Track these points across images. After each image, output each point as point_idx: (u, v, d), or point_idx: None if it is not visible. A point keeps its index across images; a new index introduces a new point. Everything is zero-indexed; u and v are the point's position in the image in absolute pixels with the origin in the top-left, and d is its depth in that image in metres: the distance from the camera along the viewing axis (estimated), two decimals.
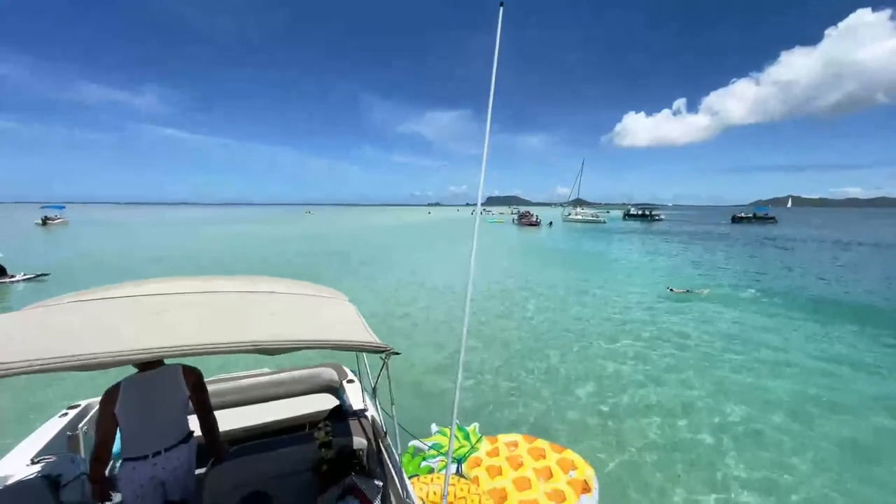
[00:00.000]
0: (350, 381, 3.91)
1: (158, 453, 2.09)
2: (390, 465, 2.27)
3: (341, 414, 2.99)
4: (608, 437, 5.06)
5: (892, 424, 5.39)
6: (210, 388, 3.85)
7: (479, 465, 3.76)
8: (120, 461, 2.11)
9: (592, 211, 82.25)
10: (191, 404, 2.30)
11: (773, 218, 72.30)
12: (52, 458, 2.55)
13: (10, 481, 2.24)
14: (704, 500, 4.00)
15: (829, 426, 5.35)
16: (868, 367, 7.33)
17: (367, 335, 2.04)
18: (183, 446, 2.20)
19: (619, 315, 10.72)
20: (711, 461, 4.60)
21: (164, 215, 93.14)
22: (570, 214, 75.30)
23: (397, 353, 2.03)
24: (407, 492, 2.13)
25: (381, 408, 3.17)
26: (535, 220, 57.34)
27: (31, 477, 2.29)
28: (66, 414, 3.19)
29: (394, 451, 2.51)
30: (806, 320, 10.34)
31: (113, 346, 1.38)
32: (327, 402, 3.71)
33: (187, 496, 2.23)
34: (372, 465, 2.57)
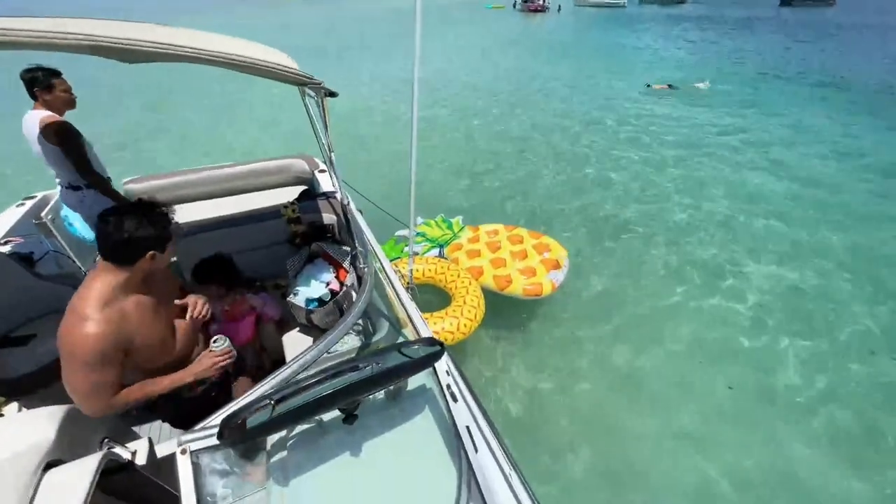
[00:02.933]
0: (322, 171, 3.72)
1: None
2: (356, 231, 2.24)
3: (311, 195, 2.89)
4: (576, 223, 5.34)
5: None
6: (177, 178, 3.65)
7: (459, 249, 3.99)
8: None
9: None
10: None
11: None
12: (21, 240, 2.61)
13: None
14: (662, 275, 4.49)
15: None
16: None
17: (297, 67, 1.64)
18: None
19: (597, 112, 10.02)
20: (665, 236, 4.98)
21: None
22: None
23: (334, 94, 1.68)
24: (375, 252, 2.15)
25: (365, 196, 3.06)
26: (542, 3, 47.51)
27: (3, 254, 2.31)
28: (22, 204, 3.11)
29: (360, 219, 2.50)
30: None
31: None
32: (298, 189, 3.61)
33: None
34: (343, 236, 2.60)
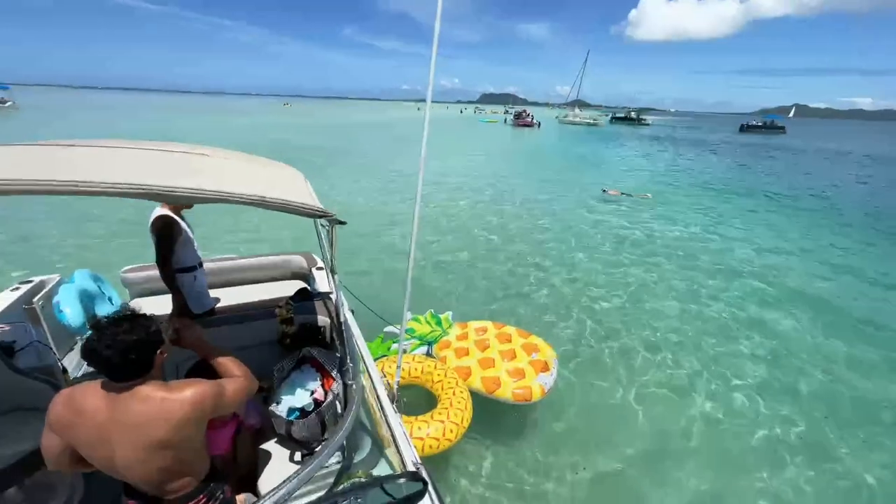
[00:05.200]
0: (320, 269, 3.87)
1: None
2: (347, 336, 2.26)
3: (307, 295, 2.97)
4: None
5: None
6: (157, 271, 3.77)
7: (447, 347, 3.97)
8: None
9: (590, 114, 77.69)
10: None
11: (782, 127, 67.26)
12: (5, 327, 2.57)
13: None
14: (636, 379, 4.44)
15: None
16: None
17: (310, 200, 1.81)
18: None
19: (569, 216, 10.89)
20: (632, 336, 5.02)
21: (122, 100, 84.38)
22: (566, 116, 71.30)
23: (342, 223, 1.85)
24: (363, 359, 2.16)
25: (352, 293, 3.18)
26: (530, 120, 54.47)
27: None
28: (17, 288, 3.13)
29: (352, 323, 2.53)
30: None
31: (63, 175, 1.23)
32: (297, 287, 3.71)
33: None
34: (333, 340, 2.61)
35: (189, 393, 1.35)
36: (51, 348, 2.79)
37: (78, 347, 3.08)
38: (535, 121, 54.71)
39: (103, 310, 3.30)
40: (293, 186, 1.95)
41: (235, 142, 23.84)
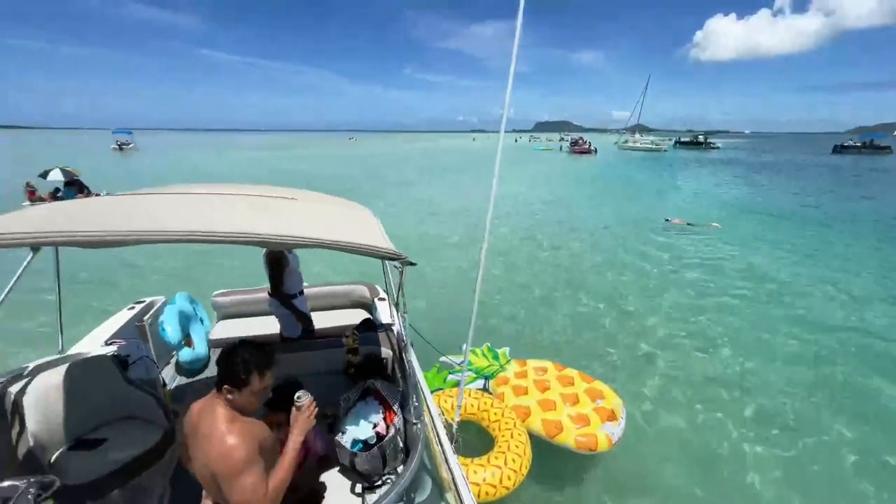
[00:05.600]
0: (381, 299, 4.01)
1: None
2: (409, 373, 2.30)
3: (371, 326, 3.08)
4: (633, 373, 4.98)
5: None
6: (252, 296, 4.13)
7: (505, 384, 3.85)
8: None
9: (651, 138, 74.37)
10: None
11: (886, 147, 55.26)
12: (122, 342, 2.96)
13: (83, 357, 2.58)
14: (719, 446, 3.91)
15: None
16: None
17: (382, 242, 1.92)
18: None
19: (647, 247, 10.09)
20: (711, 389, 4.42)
21: (214, 140, 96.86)
22: (626, 142, 68.93)
23: (413, 264, 1.92)
24: (424, 397, 2.16)
25: (412, 326, 3.25)
26: (587, 146, 53.48)
27: (102, 355, 2.63)
28: (133, 308, 3.62)
29: (413, 360, 2.57)
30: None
31: (98, 226, 1.40)
32: (359, 316, 3.86)
33: None
34: (395, 373, 2.65)
35: (231, 444, 1.37)
36: (155, 362, 3.14)
37: (173, 362, 3.44)
38: (592, 147, 53.62)
39: (196, 329, 3.68)
40: (369, 229, 2.08)
41: (316, 173, 26.04)
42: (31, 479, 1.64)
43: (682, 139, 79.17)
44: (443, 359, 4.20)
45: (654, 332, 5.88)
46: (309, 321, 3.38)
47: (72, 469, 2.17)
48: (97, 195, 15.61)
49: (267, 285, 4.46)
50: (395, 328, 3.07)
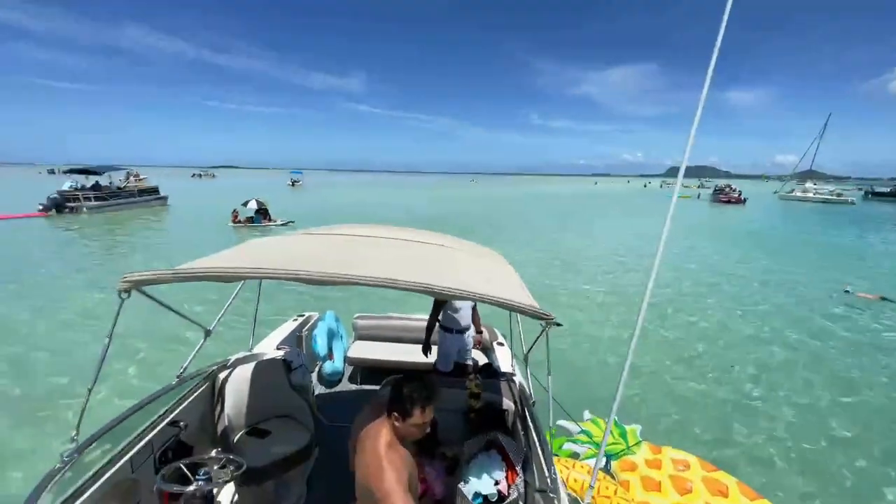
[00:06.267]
0: (500, 344, 4.02)
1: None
2: (535, 435, 2.22)
3: (490, 372, 3.11)
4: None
5: None
6: (387, 322, 4.57)
7: (632, 471, 3.38)
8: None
9: (832, 187, 59.83)
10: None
11: None
12: (288, 349, 3.50)
13: (264, 357, 3.13)
14: None
15: None
16: None
17: (529, 299, 1.99)
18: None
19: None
20: None
21: (360, 180, 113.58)
22: (792, 191, 57.27)
23: (559, 325, 1.91)
24: (551, 468, 2.06)
25: (533, 375, 3.16)
26: (737, 195, 46.18)
27: (276, 357, 3.14)
28: (296, 319, 4.38)
29: (540, 422, 2.48)
30: None
31: (317, 267, 1.72)
32: (477, 357, 3.93)
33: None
34: (516, 428, 2.59)
35: (385, 466, 1.48)
36: (308, 371, 3.66)
37: (316, 371, 3.98)
38: (741, 196, 46.05)
39: (337, 345, 4.25)
40: (513, 282, 2.18)
41: (443, 213, 28.28)
42: (230, 457, 2.07)
43: (877, 189, 62.27)
44: (561, 422, 3.94)
45: (849, 445, 4.51)
46: (464, 359, 3.54)
47: (248, 452, 2.61)
48: (276, 221, 19.68)
49: (401, 313, 4.93)
50: (517, 380, 3.03)
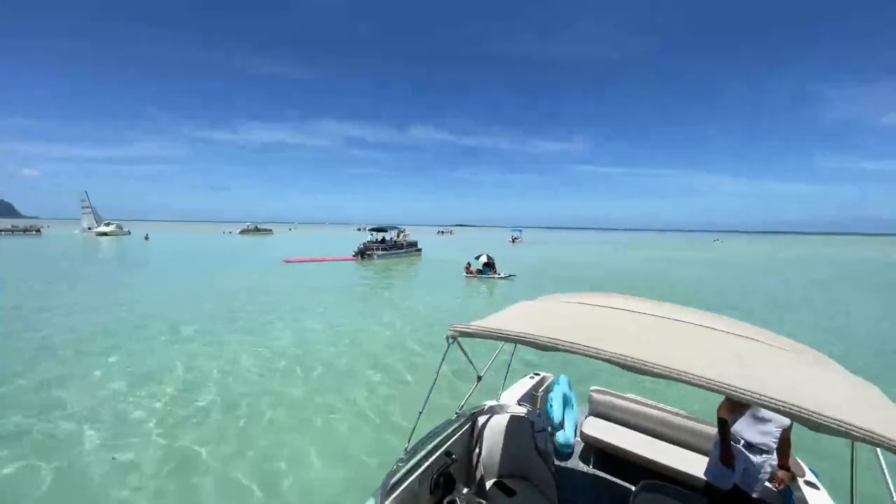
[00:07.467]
0: (812, 486, 2.82)
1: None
2: None
3: None
4: None
5: None
6: (627, 404, 4.06)
7: None
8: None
9: None
10: None
11: None
12: (530, 408, 3.46)
13: (512, 411, 3.24)
14: None
15: None
16: None
17: None
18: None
19: None
20: None
21: (585, 237, 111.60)
22: None
23: None
24: None
25: None
26: None
27: (522, 415, 3.21)
28: (533, 377, 4.45)
29: None
30: None
31: (629, 352, 1.66)
32: (769, 492, 2.88)
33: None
34: None
35: None
36: (550, 436, 3.48)
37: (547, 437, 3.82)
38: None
39: (569, 415, 4.02)
40: (860, 397, 1.53)
41: (691, 279, 24.70)
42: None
43: None
44: None
45: None
46: (750, 488, 2.67)
47: None
48: (500, 274, 21.62)
49: (638, 395, 4.28)
50: None
